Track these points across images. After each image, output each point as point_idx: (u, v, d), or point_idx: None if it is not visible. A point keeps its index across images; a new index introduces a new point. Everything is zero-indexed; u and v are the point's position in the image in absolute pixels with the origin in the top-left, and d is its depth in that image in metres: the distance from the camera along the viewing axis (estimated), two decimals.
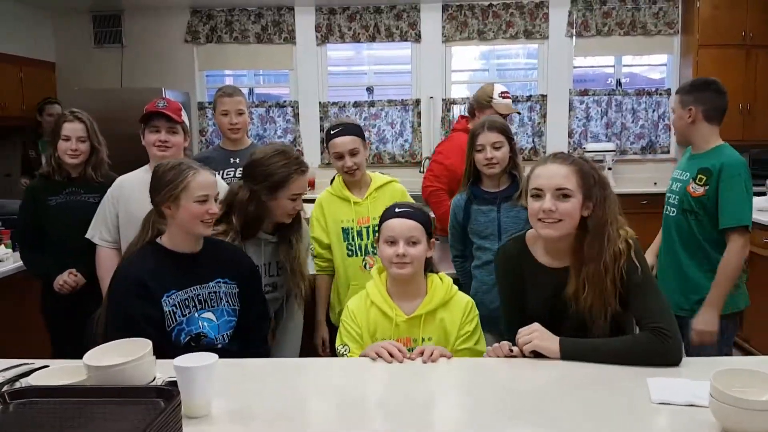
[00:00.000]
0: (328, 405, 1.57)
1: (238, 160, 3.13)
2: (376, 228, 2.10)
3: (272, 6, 6.32)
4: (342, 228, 2.60)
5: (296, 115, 6.48)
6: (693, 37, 5.87)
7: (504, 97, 3.35)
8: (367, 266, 2.56)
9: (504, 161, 2.49)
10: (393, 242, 1.91)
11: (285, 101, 6.53)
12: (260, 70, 6.83)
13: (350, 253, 2.60)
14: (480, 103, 3.37)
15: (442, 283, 2.00)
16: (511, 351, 1.78)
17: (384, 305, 1.95)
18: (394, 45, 6.48)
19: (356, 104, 6.50)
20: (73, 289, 2.85)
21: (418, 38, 6.34)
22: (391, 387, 1.67)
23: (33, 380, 1.52)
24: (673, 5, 6.15)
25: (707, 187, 2.46)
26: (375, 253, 2.54)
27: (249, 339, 2.10)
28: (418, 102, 6.42)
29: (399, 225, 1.93)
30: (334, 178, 2.73)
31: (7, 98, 5.48)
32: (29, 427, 1.25)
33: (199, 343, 1.94)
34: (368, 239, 2.59)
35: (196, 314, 1.98)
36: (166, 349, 1.74)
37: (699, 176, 2.49)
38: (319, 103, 6.46)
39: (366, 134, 6.37)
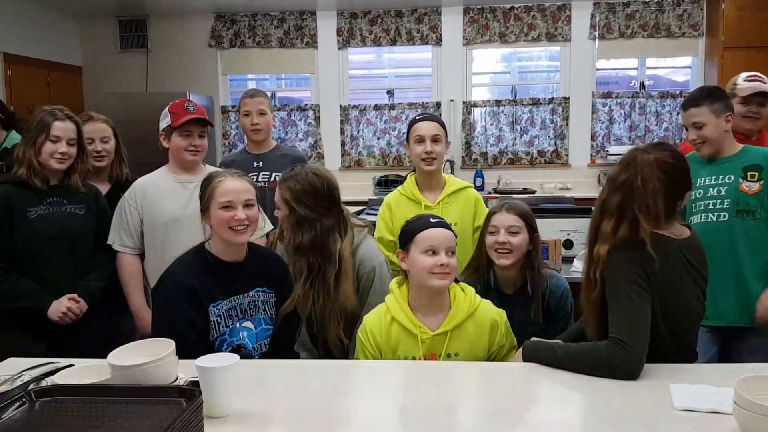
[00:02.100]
0: (348, 407, 1.58)
1: (261, 164, 3.13)
2: None
3: (294, 11, 6.37)
4: None
5: (317, 119, 6.51)
6: (717, 39, 5.78)
7: (750, 80, 2.91)
8: None
9: (520, 251, 2.14)
10: (434, 252, 1.86)
11: (306, 104, 6.57)
12: (282, 74, 6.89)
13: None
14: (729, 95, 2.96)
15: (465, 294, 1.95)
16: None
17: (407, 322, 1.90)
18: (414, 48, 6.48)
19: (377, 107, 6.51)
20: (77, 318, 2.44)
21: (438, 41, 6.34)
22: (411, 390, 1.67)
23: (58, 379, 1.55)
24: (697, 7, 6.07)
25: (762, 182, 2.45)
26: None
27: (279, 346, 2.09)
28: (438, 105, 6.41)
29: (439, 235, 1.89)
30: (405, 177, 2.69)
31: (36, 102, 5.55)
32: (54, 424, 1.27)
33: (238, 355, 1.94)
34: None
35: (237, 324, 1.98)
36: None
37: (750, 173, 2.47)
38: (340, 106, 6.49)
39: (386, 137, 6.47)
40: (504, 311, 1.99)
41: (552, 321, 2.18)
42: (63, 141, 2.43)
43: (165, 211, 2.53)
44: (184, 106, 2.58)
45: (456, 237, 1.94)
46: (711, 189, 2.55)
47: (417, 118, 2.60)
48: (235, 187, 1.98)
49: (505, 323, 1.96)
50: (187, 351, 1.60)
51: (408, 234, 1.93)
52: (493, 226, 2.18)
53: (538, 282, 2.16)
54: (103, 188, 2.77)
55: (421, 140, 2.52)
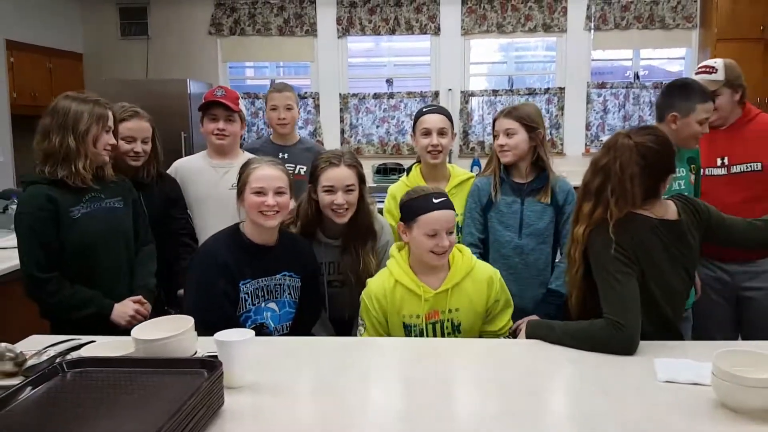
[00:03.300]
0: (355, 380, 1.67)
1: (286, 156, 3.13)
2: None
3: None
4: None
5: (317, 107, 6.58)
6: (711, 30, 5.87)
7: (698, 72, 2.72)
8: None
9: (516, 149, 2.42)
10: (435, 234, 1.96)
11: (306, 93, 6.62)
12: (282, 62, 6.95)
13: None
14: None
15: (462, 255, 2.09)
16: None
17: (410, 283, 2.02)
18: (413, 37, 6.55)
19: (376, 96, 6.59)
20: (145, 320, 2.10)
21: (437, 31, 6.40)
22: (414, 364, 1.77)
23: (84, 353, 1.65)
24: None
25: (694, 175, 2.55)
26: None
27: (296, 329, 2.19)
28: (436, 94, 6.49)
29: (442, 217, 1.98)
30: (410, 168, 2.71)
31: (38, 88, 5.62)
32: (87, 393, 1.38)
33: (260, 333, 2.03)
34: None
35: (263, 304, 2.10)
36: None
37: (692, 166, 2.55)
38: (339, 94, 6.56)
39: (385, 126, 6.53)
40: (498, 270, 2.13)
41: (559, 215, 2.46)
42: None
43: (192, 192, 2.67)
44: (213, 92, 2.72)
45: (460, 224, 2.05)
46: (675, 183, 2.52)
47: (424, 110, 2.60)
48: (268, 174, 2.08)
49: (500, 280, 2.10)
50: (222, 320, 1.72)
51: (411, 212, 2.02)
52: (495, 131, 2.49)
53: (545, 168, 2.47)
54: None
55: (427, 133, 2.52)
